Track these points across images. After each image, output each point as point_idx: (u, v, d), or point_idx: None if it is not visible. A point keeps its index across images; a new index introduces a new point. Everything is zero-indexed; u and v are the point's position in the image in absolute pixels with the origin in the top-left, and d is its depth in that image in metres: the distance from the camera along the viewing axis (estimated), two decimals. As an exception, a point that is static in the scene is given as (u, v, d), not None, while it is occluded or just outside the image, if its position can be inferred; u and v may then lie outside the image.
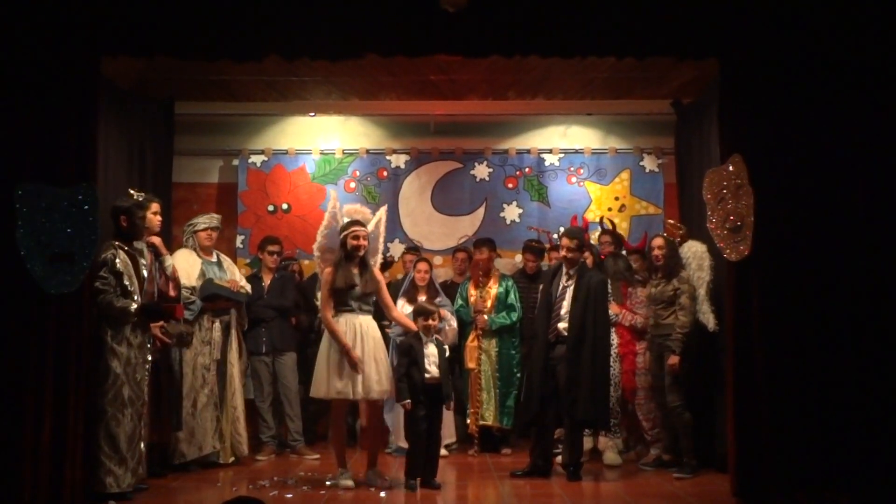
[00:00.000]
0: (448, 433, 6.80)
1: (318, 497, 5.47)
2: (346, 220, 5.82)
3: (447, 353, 5.80)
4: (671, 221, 7.06)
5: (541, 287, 6.40)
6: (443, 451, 6.46)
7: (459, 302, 7.12)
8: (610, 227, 7.34)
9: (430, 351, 5.67)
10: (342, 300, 5.67)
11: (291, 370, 7.03)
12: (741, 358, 5.30)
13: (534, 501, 5.43)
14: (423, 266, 6.92)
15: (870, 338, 5.19)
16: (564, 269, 6.15)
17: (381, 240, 6.09)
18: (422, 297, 6.66)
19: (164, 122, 7.32)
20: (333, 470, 5.95)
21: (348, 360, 5.56)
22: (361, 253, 5.71)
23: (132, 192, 5.91)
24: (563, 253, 6.13)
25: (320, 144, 8.17)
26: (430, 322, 5.71)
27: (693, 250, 6.38)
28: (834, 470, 5.14)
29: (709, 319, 6.16)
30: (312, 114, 8.18)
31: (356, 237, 5.68)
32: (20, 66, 5.22)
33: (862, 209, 5.28)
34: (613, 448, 6.59)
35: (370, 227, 5.90)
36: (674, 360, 6.09)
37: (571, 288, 6.04)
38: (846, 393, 5.17)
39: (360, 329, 5.65)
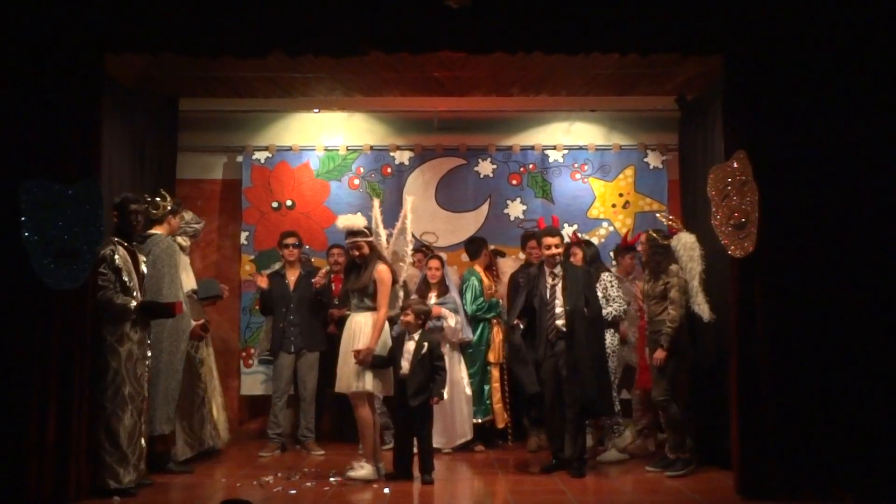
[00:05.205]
0: (462, 431, 6.88)
1: (321, 493, 5.48)
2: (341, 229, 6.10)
3: (424, 350, 5.81)
4: (669, 217, 6.74)
5: (519, 289, 6.41)
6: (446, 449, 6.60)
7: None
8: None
9: (407, 347, 5.83)
10: (351, 301, 6.05)
11: (312, 367, 7.10)
12: (745, 355, 5.29)
13: (539, 498, 5.42)
14: (434, 263, 6.95)
15: (875, 335, 5.18)
16: (548, 270, 6.16)
17: (409, 232, 6.25)
18: (432, 294, 6.83)
19: (167, 119, 7.32)
20: (338, 466, 6.00)
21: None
22: (360, 261, 5.93)
23: (164, 193, 6.22)
24: (551, 251, 6.09)
25: (324, 141, 8.17)
26: (406, 318, 5.85)
27: (683, 241, 6.27)
28: (838, 467, 5.14)
29: (703, 310, 6.02)
30: (316, 110, 8.18)
31: (352, 248, 5.96)
32: (24, 63, 5.24)
33: (867, 205, 5.27)
34: (623, 440, 6.66)
35: (398, 223, 6.23)
36: (660, 354, 6.02)
37: (559, 286, 6.07)
38: (851, 391, 5.17)
39: (354, 327, 5.87)
